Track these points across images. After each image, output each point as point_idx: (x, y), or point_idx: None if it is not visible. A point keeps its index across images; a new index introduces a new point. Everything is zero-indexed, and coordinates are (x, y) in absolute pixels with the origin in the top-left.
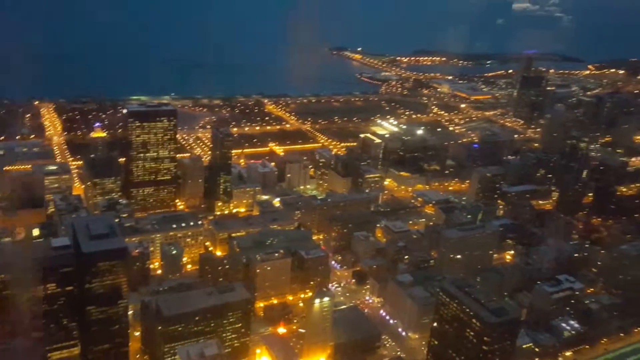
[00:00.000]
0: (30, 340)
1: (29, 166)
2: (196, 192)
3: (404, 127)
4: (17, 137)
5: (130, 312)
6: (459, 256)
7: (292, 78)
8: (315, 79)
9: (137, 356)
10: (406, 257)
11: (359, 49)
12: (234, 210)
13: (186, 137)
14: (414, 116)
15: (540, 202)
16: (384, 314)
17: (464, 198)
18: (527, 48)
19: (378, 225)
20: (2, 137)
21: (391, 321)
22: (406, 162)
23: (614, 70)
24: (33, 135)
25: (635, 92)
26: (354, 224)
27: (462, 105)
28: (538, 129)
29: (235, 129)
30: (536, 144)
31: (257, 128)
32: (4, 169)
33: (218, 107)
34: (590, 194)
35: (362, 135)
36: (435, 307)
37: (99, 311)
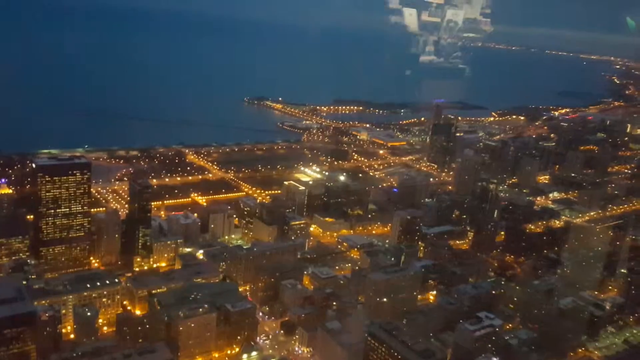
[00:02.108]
0: None
1: None
2: (112, 248)
3: (327, 173)
4: None
5: None
6: (385, 299)
7: (212, 127)
8: (237, 128)
9: None
10: (334, 303)
11: (279, 98)
12: (155, 265)
13: (102, 191)
14: (335, 163)
15: (458, 242)
16: None
17: (387, 241)
18: (435, 97)
19: (305, 272)
20: None
21: None
22: (330, 208)
23: (515, 116)
24: None
25: (534, 136)
26: (281, 273)
27: (381, 152)
28: (451, 173)
29: (154, 181)
30: (450, 187)
31: (178, 179)
32: None
33: (136, 158)
34: (502, 233)
35: (286, 183)
36: (364, 353)
37: None
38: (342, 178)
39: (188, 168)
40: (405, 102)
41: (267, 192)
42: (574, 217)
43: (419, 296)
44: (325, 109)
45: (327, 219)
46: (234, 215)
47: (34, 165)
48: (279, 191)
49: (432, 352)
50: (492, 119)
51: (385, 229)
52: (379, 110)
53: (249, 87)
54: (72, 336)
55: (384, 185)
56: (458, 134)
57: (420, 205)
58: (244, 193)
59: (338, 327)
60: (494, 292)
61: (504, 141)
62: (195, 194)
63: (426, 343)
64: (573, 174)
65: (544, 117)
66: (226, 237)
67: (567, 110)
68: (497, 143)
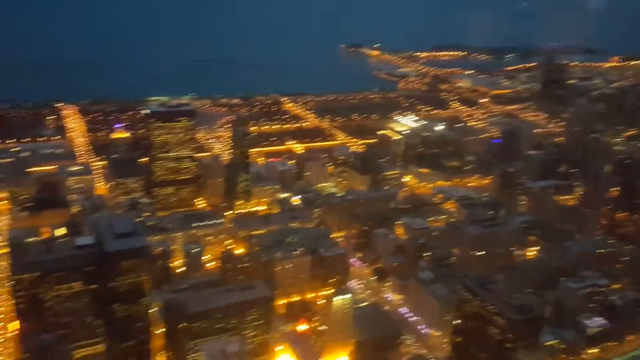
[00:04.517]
0: (56, 337)
1: (53, 167)
2: (216, 191)
3: (423, 123)
4: (40, 139)
5: (153, 310)
6: (480, 253)
7: (310, 76)
8: (333, 76)
9: (160, 353)
10: (427, 254)
11: (376, 45)
12: (254, 209)
13: (206, 137)
14: (433, 112)
15: (564, 197)
16: (404, 311)
17: (485, 194)
18: (550, 36)
19: (398, 222)
20: (27, 139)
21: (412, 319)
22: (426, 159)
23: (639, 61)
24: (57, 137)
25: None
26: (373, 221)
27: (482, 100)
28: (560, 123)
29: (254, 128)
30: (558, 138)
31: (276, 126)
32: (28, 170)
33: (237, 106)
34: (614, 189)
35: (380, 132)
36: (457, 305)
37: (122, 309)
38: (439, 128)
39: (285, 116)
40: (513, 45)
41: (361, 141)
42: None
43: (518, 252)
44: (424, 55)
45: (422, 169)
46: (328, 164)
47: (145, 112)
48: (374, 140)
49: (529, 308)
50: (611, 64)
51: (485, 181)
52: (484, 56)
53: (345, 34)
54: (180, 270)
55: (485, 135)
56: (571, 81)
57: (525, 157)
58: (339, 142)
59: (430, 277)
60: (601, 250)
61: (624, 89)
62: (292, 142)
63: (523, 299)
64: None
65: None
66: (320, 184)
67: None
68: (615, 91)
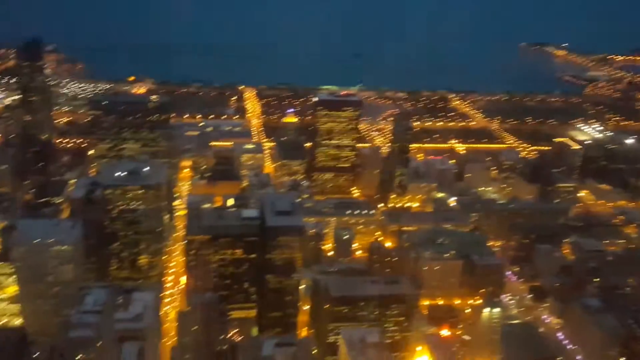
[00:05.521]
0: (217, 297)
1: (231, 143)
2: (372, 182)
3: (610, 134)
4: (223, 117)
5: (301, 287)
6: None
7: (483, 73)
8: (510, 75)
9: (304, 329)
10: (596, 279)
11: (563, 44)
12: (407, 204)
13: (368, 128)
14: (623, 122)
15: None
16: (561, 337)
17: None
18: None
19: (566, 240)
20: (212, 116)
21: (569, 347)
22: (609, 174)
23: None
24: (236, 116)
25: None
26: (537, 235)
27: None
28: None
29: (417, 123)
30: None
31: (440, 124)
32: (211, 143)
33: (402, 100)
34: None
35: (557, 140)
36: (625, 340)
37: (275, 280)
38: (629, 141)
39: (450, 114)
40: None
41: (533, 147)
42: None
43: None
44: (620, 58)
45: (602, 185)
46: (492, 168)
47: (315, 99)
48: (548, 148)
49: None
50: None
51: None
52: None
53: (528, 30)
54: (330, 253)
55: None
56: None
57: None
58: (506, 145)
59: (598, 305)
60: None
61: None
62: (455, 141)
63: None
64: None
65: None
66: (481, 188)
67: None
68: None
